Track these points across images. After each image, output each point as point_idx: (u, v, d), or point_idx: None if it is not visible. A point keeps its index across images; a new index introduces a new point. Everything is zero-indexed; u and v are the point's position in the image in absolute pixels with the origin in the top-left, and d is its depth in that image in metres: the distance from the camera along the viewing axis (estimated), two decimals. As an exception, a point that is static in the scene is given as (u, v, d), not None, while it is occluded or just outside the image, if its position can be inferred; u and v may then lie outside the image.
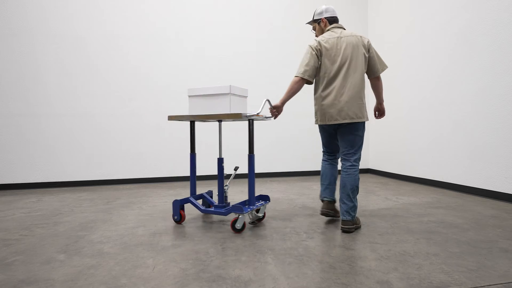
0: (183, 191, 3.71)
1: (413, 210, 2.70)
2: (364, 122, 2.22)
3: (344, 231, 2.13)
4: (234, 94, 2.27)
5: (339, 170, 4.88)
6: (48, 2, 4.08)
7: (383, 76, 4.74)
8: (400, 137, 4.41)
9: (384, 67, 2.28)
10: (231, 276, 1.50)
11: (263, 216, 2.43)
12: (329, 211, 2.34)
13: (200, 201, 3.57)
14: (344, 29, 2.29)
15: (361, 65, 2.18)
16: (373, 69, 2.26)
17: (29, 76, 4.05)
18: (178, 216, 2.36)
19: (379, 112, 2.44)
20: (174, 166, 4.49)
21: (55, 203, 3.17)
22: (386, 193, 3.43)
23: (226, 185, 2.45)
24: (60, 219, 2.57)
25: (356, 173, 2.18)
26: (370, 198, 3.19)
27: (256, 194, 3.50)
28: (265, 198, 2.49)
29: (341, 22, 5.02)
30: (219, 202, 2.46)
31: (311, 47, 2.21)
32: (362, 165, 5.15)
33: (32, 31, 4.04)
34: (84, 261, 1.69)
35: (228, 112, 2.20)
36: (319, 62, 2.22)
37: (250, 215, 2.32)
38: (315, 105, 2.31)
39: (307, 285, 1.40)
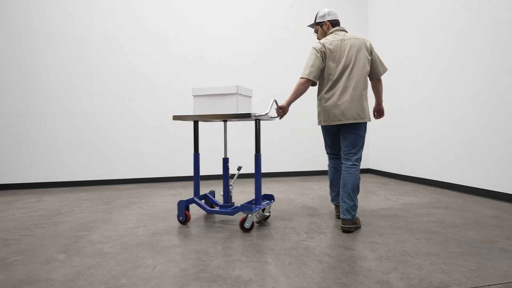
0: (183, 191, 3.71)
1: (413, 210, 2.70)
2: (366, 123, 2.27)
3: (344, 230, 2.14)
4: (240, 94, 2.29)
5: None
6: (48, 2, 4.08)
7: (383, 75, 4.74)
8: (400, 137, 4.41)
9: (385, 69, 2.34)
10: (231, 276, 1.50)
11: (269, 215, 2.45)
12: None
13: (202, 201, 3.57)
14: (347, 32, 2.33)
15: (364, 67, 2.23)
16: (374, 72, 2.32)
17: (29, 76, 4.05)
18: (184, 217, 2.35)
19: (378, 112, 2.50)
20: (174, 166, 4.49)
21: (55, 203, 3.17)
22: (386, 193, 3.43)
23: (230, 185, 2.46)
24: (60, 219, 2.57)
25: (357, 172, 2.20)
26: (370, 198, 3.19)
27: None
28: (270, 197, 2.52)
29: (341, 22, 5.02)
30: (224, 202, 2.46)
31: (316, 49, 2.25)
32: (362, 165, 5.15)
33: (32, 31, 4.04)
34: (84, 261, 1.69)
35: (235, 112, 2.21)
36: (324, 64, 2.26)
37: (257, 214, 2.33)
38: (318, 106, 2.35)
39: (307, 285, 1.40)
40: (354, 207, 2.16)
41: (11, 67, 3.99)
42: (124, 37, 4.31)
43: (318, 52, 2.23)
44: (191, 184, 4.25)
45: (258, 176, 2.24)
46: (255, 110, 4.73)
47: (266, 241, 1.97)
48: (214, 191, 2.72)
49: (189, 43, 4.51)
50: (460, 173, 3.45)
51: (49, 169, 4.11)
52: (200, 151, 4.57)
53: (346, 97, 2.19)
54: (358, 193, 2.22)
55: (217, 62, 4.60)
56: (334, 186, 2.46)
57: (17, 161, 4.02)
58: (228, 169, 2.50)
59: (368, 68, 2.27)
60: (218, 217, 2.59)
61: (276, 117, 2.33)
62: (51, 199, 3.38)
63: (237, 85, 2.23)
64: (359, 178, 2.22)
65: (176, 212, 2.73)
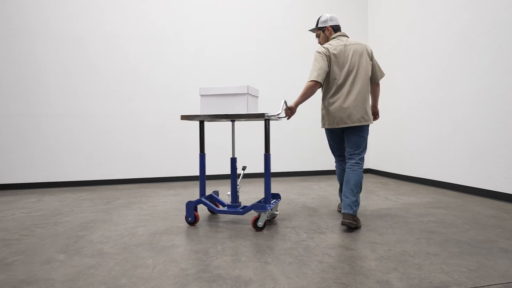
0: (183, 191, 3.71)
1: (413, 210, 2.70)
2: (368, 125, 2.35)
3: (344, 224, 2.14)
4: (250, 94, 2.31)
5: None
6: (48, 2, 4.08)
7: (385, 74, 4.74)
8: (400, 137, 4.41)
9: (383, 74, 2.48)
10: (231, 276, 1.50)
11: (278, 213, 2.49)
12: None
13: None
14: (348, 37, 2.42)
15: (366, 71, 2.33)
16: (374, 76, 2.44)
17: (29, 76, 4.05)
18: (193, 218, 2.33)
19: (373, 114, 2.65)
20: (174, 166, 4.49)
21: (55, 203, 3.17)
22: (386, 193, 3.43)
23: (237, 185, 2.48)
24: (60, 219, 2.57)
25: (360, 170, 2.28)
26: (370, 198, 3.19)
27: (257, 194, 3.50)
28: (277, 196, 2.55)
29: (341, 22, 5.02)
30: (232, 202, 2.47)
31: (321, 53, 2.30)
32: (362, 165, 5.15)
33: (32, 31, 4.04)
34: (84, 261, 1.69)
35: (245, 112, 2.22)
36: (329, 68, 2.32)
37: (268, 213, 2.35)
38: (322, 109, 2.42)
39: (307, 285, 1.40)
40: (356, 203, 2.19)
41: (11, 67, 3.99)
42: (124, 37, 4.31)
43: (324, 56, 2.30)
44: (191, 184, 4.25)
45: (267, 175, 2.25)
46: (269, 111, 4.72)
47: (266, 241, 1.97)
48: (218, 191, 2.72)
49: (189, 43, 4.51)
50: (460, 173, 3.45)
51: (49, 169, 4.11)
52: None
53: (351, 100, 2.27)
54: (360, 191, 2.27)
55: (217, 62, 4.60)
56: None
57: (17, 161, 4.02)
58: (236, 168, 2.51)
59: (370, 72, 2.36)
60: (218, 217, 2.59)
61: (285, 117, 2.38)
62: (51, 199, 3.38)
63: (248, 85, 2.26)
64: (362, 177, 2.27)
65: (176, 212, 2.73)
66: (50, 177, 4.12)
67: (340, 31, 2.45)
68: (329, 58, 2.30)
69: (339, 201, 2.88)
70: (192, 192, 3.64)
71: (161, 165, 4.45)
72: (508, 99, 2.93)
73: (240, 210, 2.29)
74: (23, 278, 1.51)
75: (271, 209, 2.40)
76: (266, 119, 2.21)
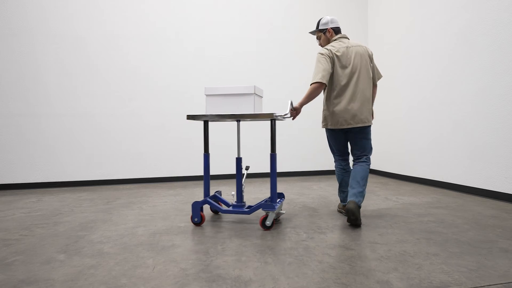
0: (183, 191, 3.71)
1: (413, 210, 2.70)
2: (370, 126, 2.42)
3: (349, 207, 2.16)
4: (256, 94, 2.32)
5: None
6: (48, 2, 4.08)
7: (381, 78, 4.74)
8: (400, 137, 4.41)
9: (380, 76, 2.55)
10: (231, 276, 1.50)
11: (284, 213, 2.51)
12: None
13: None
14: (349, 39, 2.46)
15: (368, 73, 2.38)
16: (372, 78, 2.50)
17: (29, 76, 4.05)
18: (199, 218, 2.32)
19: None
20: (174, 166, 4.49)
21: (55, 203, 3.17)
22: (386, 193, 3.43)
23: (242, 185, 2.50)
24: (60, 219, 2.57)
25: (367, 166, 2.38)
26: (370, 198, 3.19)
27: (257, 194, 3.50)
28: (281, 196, 2.58)
29: (341, 22, 5.02)
30: (237, 202, 2.47)
31: (324, 55, 2.33)
32: (362, 165, 5.15)
33: (32, 31, 4.04)
34: (84, 261, 1.69)
35: (252, 112, 2.23)
36: (332, 69, 2.36)
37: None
38: (325, 110, 2.45)
39: (307, 285, 1.40)
40: (362, 193, 2.25)
41: (11, 67, 3.99)
42: (124, 37, 4.31)
43: (327, 57, 2.33)
44: (191, 184, 4.25)
45: (273, 174, 2.26)
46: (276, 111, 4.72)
47: (266, 241, 1.97)
48: (220, 191, 2.72)
49: (189, 43, 4.51)
50: (460, 173, 3.45)
51: (49, 169, 4.12)
52: (201, 151, 4.57)
53: (355, 102, 2.33)
54: (366, 185, 2.32)
55: (217, 62, 4.60)
56: (344, 187, 2.53)
57: (17, 161, 4.02)
58: (241, 168, 2.52)
59: (371, 74, 2.42)
60: (218, 217, 2.59)
61: (290, 117, 2.41)
62: (51, 199, 3.38)
63: (254, 85, 2.28)
64: (368, 173, 2.36)
65: (176, 213, 2.73)
66: (50, 177, 4.12)
67: (341, 33, 2.48)
68: (333, 60, 2.34)
69: (339, 201, 2.90)
70: (192, 192, 3.64)
71: (161, 165, 4.45)
72: (508, 99, 2.93)
73: (246, 209, 2.30)
74: (23, 278, 1.51)
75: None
76: (272, 119, 2.22)
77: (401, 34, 4.34)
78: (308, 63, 4.91)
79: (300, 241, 1.97)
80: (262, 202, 2.27)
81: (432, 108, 3.81)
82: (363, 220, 2.42)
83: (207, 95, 2.34)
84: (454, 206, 2.84)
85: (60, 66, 4.13)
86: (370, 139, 2.44)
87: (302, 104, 2.33)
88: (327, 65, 2.29)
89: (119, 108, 4.31)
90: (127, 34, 4.31)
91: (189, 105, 4.53)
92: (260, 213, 2.67)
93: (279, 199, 2.47)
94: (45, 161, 4.10)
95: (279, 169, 4.83)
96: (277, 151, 4.82)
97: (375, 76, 2.49)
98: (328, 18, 2.48)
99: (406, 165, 4.29)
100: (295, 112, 2.37)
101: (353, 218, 2.18)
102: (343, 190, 2.54)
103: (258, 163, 4.75)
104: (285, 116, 2.36)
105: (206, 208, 2.88)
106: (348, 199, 2.24)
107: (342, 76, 2.33)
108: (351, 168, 2.55)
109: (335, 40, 2.46)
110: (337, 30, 2.50)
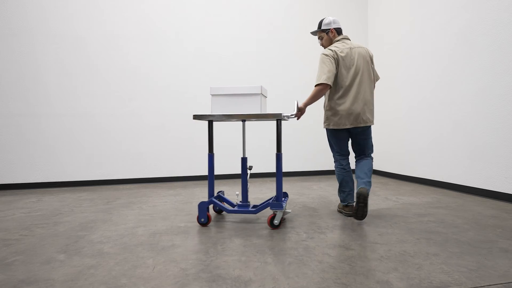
0: (183, 191, 3.71)
1: (413, 210, 2.70)
2: (371, 126, 2.43)
3: (361, 192, 2.21)
4: (262, 95, 2.34)
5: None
6: (48, 2, 4.08)
7: (382, 75, 4.74)
8: (400, 137, 4.41)
9: (378, 78, 2.60)
10: (231, 276, 1.50)
11: (289, 212, 2.54)
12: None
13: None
14: (350, 40, 2.50)
15: (369, 74, 2.43)
16: None
17: (29, 76, 4.05)
18: (206, 218, 2.32)
19: None
20: (174, 166, 4.49)
21: (55, 203, 3.17)
22: (386, 193, 3.43)
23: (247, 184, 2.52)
24: (60, 219, 2.57)
25: (371, 160, 2.49)
26: (370, 198, 3.19)
27: (257, 194, 3.50)
28: (285, 195, 2.62)
29: (341, 22, 5.02)
30: (243, 201, 2.48)
31: (329, 56, 2.36)
32: (362, 165, 5.16)
33: (32, 31, 4.04)
34: (84, 261, 1.69)
35: (259, 112, 2.25)
36: (337, 70, 2.38)
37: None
38: (328, 111, 2.47)
39: (307, 285, 1.40)
40: (370, 183, 2.35)
41: (11, 67, 3.99)
42: (124, 37, 4.31)
43: (332, 58, 2.35)
44: (191, 184, 4.25)
45: (279, 174, 2.28)
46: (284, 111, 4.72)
47: (266, 241, 1.97)
48: (223, 191, 2.72)
49: (189, 43, 4.51)
50: (460, 173, 3.45)
51: (49, 169, 4.12)
52: (201, 151, 4.57)
53: (359, 102, 2.37)
54: (371, 176, 2.40)
55: (217, 62, 4.60)
56: (344, 187, 2.54)
57: (17, 161, 4.02)
58: (247, 168, 2.52)
59: (372, 75, 2.46)
60: (218, 217, 2.59)
61: (295, 117, 2.44)
62: (51, 199, 3.38)
63: (261, 86, 2.30)
64: (373, 165, 2.46)
65: (176, 213, 2.73)
66: (50, 177, 4.12)
67: (342, 34, 2.52)
68: (337, 61, 2.37)
69: (339, 201, 2.91)
70: (192, 192, 3.64)
71: (161, 165, 4.45)
72: (508, 99, 2.93)
73: (253, 209, 2.31)
74: (23, 278, 1.51)
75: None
76: (278, 119, 2.24)
77: (401, 34, 4.34)
78: (308, 63, 4.91)
79: (300, 241, 1.97)
80: (269, 201, 2.30)
81: (432, 108, 3.81)
82: (362, 220, 2.42)
83: (212, 95, 2.34)
84: (454, 206, 2.84)
85: (60, 66, 4.13)
86: (371, 138, 2.50)
87: (307, 104, 2.37)
88: (331, 67, 2.32)
89: (119, 108, 4.31)
90: (127, 34, 4.31)
91: (189, 105, 4.53)
92: (263, 213, 2.67)
93: (283, 198, 2.48)
94: (45, 161, 4.10)
95: (279, 169, 4.83)
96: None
97: (374, 78, 2.53)
98: (331, 19, 2.51)
99: (406, 165, 4.29)
100: (299, 112, 2.40)
101: (362, 204, 2.20)
102: (343, 190, 2.54)
103: (258, 163, 4.75)
104: (290, 116, 2.40)
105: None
106: (359, 187, 2.30)
107: (346, 77, 2.37)
108: (350, 168, 2.57)
109: (337, 41, 2.48)
110: (339, 31, 2.53)
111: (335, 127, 2.43)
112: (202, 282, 1.44)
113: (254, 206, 2.48)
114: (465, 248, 1.82)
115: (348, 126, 2.39)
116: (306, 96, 4.93)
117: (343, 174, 2.53)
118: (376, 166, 4.98)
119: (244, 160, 2.52)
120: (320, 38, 2.57)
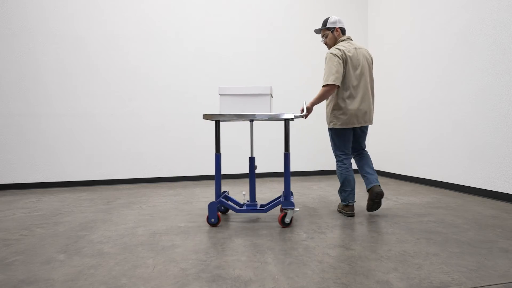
0: (183, 191, 3.71)
1: (413, 210, 2.70)
2: None
3: (378, 190, 2.38)
4: (271, 95, 2.36)
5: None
6: (48, 2, 4.08)
7: (382, 75, 4.74)
8: (400, 137, 4.41)
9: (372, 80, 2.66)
10: (231, 276, 1.50)
11: (298, 210, 2.55)
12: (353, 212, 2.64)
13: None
14: (352, 40, 2.57)
15: (371, 75, 2.51)
16: None
17: (29, 76, 4.05)
18: (216, 219, 2.31)
19: None
20: (174, 166, 4.49)
21: (55, 203, 3.17)
22: (386, 193, 3.43)
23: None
24: (60, 219, 2.57)
25: (368, 154, 2.66)
26: (370, 198, 3.19)
27: (257, 194, 3.50)
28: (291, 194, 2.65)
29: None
30: (251, 201, 2.49)
31: (337, 56, 2.38)
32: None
33: (32, 31, 4.04)
34: (84, 261, 1.69)
35: (268, 113, 2.25)
36: (344, 70, 2.41)
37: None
38: (336, 110, 2.48)
39: (307, 285, 1.40)
40: (377, 178, 2.50)
41: (11, 67, 3.99)
42: (124, 37, 4.31)
43: (340, 58, 2.37)
44: (191, 184, 4.25)
45: (287, 173, 2.29)
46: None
47: (266, 241, 1.97)
48: (227, 191, 2.72)
49: (189, 43, 4.51)
50: (460, 173, 3.45)
51: (49, 169, 4.11)
52: (201, 151, 4.57)
53: (365, 102, 2.45)
54: None
55: (217, 62, 4.60)
56: (346, 187, 2.55)
57: (17, 161, 4.02)
58: (253, 168, 2.52)
59: (373, 76, 2.57)
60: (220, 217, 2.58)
61: (302, 116, 2.47)
62: (51, 199, 3.38)
63: (270, 86, 2.31)
64: None
65: (176, 213, 2.73)
66: (50, 177, 4.12)
67: (346, 34, 2.57)
68: (345, 61, 2.40)
69: (339, 201, 2.92)
70: (192, 192, 3.64)
71: (161, 165, 4.45)
72: (508, 99, 2.93)
73: (261, 208, 2.33)
74: (23, 278, 1.51)
75: None
76: (286, 119, 2.25)
77: (401, 34, 4.34)
78: (308, 63, 4.91)
79: (300, 241, 1.97)
80: (277, 200, 2.34)
81: (432, 108, 3.81)
82: (363, 221, 2.42)
83: (221, 95, 2.33)
84: (454, 206, 2.84)
85: (60, 66, 4.13)
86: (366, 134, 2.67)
87: (314, 104, 2.42)
88: (339, 67, 2.34)
89: (119, 108, 4.31)
90: (127, 34, 4.31)
91: (189, 105, 4.53)
92: (263, 213, 2.66)
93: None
94: (45, 161, 4.10)
95: (279, 169, 4.83)
96: (277, 151, 4.82)
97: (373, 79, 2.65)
98: (336, 18, 2.53)
99: (406, 165, 4.29)
100: (307, 112, 2.45)
101: (378, 200, 2.38)
102: (344, 190, 2.54)
103: (258, 163, 4.75)
104: (298, 116, 2.44)
105: (203, 208, 2.88)
106: (373, 184, 2.42)
107: (354, 77, 2.41)
108: (352, 167, 2.58)
109: (343, 40, 2.51)
110: (343, 31, 2.56)
111: (344, 126, 2.45)
112: (202, 282, 1.44)
113: (262, 206, 2.49)
114: (465, 248, 1.82)
115: (356, 125, 2.45)
116: (306, 96, 4.93)
117: (346, 173, 2.53)
118: (376, 166, 4.98)
119: (252, 159, 2.52)
120: (325, 36, 2.57)
